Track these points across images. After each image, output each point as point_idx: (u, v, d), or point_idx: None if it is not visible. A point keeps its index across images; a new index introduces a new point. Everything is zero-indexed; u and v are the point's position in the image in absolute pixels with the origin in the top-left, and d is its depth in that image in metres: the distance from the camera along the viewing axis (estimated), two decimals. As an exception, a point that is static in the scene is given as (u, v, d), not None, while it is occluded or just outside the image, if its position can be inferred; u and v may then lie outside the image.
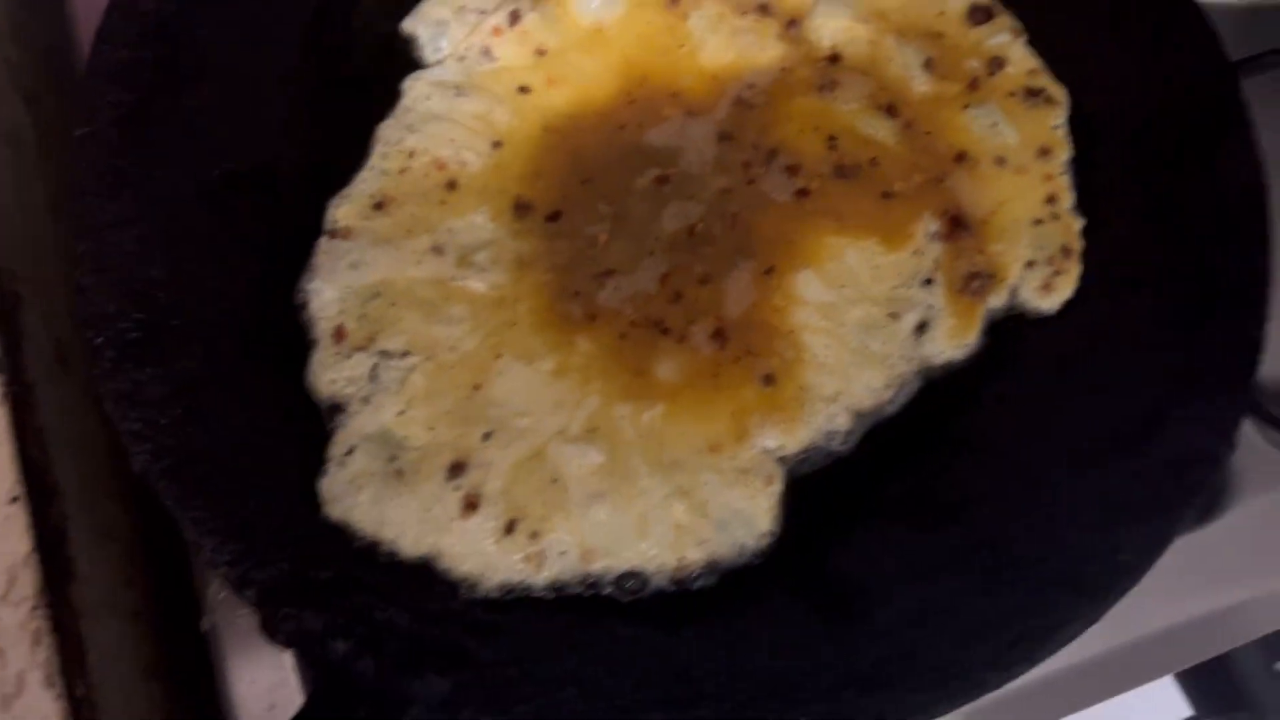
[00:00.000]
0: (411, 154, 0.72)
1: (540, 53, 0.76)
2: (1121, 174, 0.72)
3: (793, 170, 0.73)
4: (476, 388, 0.66)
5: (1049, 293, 0.70)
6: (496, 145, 0.73)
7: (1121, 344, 0.68)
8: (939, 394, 0.69)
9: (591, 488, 0.63)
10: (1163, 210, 0.70)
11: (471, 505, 0.63)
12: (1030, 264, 0.71)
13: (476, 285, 0.69)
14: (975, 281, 0.70)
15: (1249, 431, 0.77)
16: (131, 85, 0.69)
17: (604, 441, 0.65)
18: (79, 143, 0.67)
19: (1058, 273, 0.71)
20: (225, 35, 0.72)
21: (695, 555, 0.63)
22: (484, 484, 0.63)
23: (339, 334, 0.67)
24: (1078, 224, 0.72)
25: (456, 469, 0.64)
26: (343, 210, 0.70)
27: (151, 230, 0.67)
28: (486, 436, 0.65)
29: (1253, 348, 0.65)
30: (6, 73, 0.83)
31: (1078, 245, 0.72)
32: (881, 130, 0.74)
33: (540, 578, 0.62)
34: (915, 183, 0.73)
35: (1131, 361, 0.67)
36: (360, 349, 0.66)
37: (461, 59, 0.75)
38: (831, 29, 0.77)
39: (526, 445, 0.64)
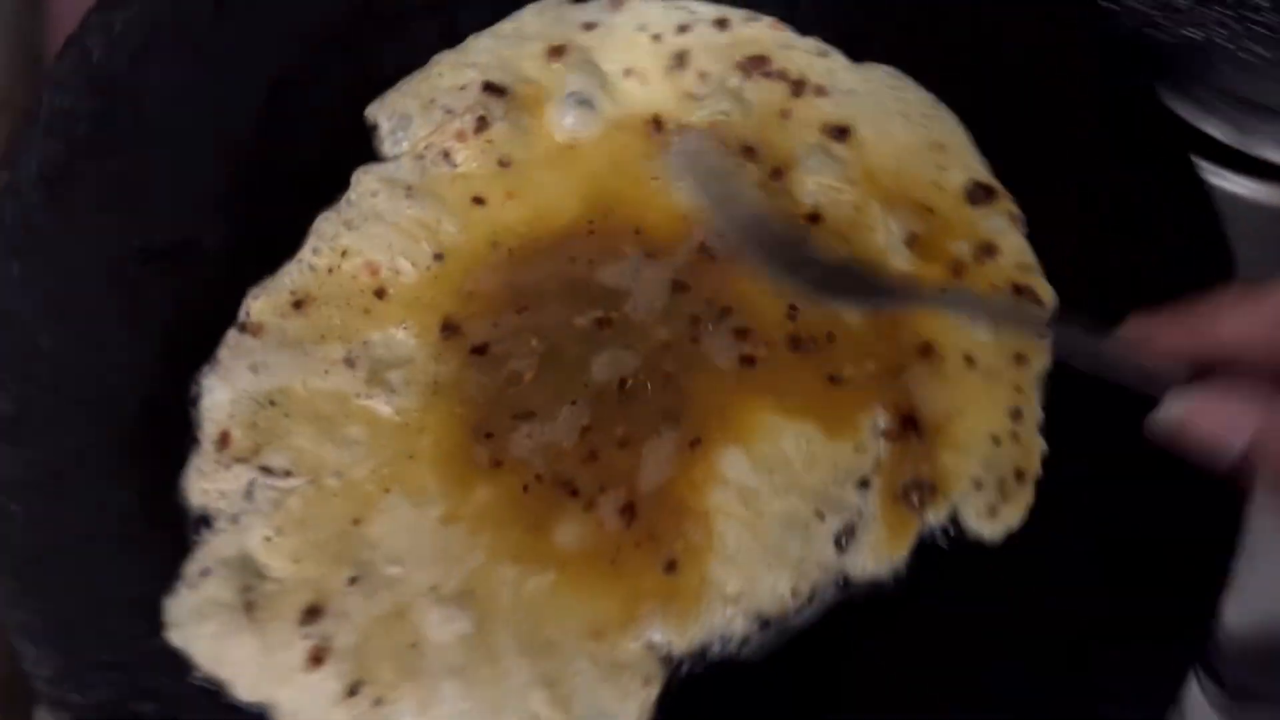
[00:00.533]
0: (345, 253, 0.68)
1: (503, 164, 0.71)
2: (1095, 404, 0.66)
3: (742, 334, 0.68)
4: (356, 522, 0.62)
5: (992, 519, 0.64)
6: (438, 258, 0.69)
7: (1056, 593, 0.62)
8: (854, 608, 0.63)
9: (451, 660, 0.59)
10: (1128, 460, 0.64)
11: (318, 658, 0.58)
12: (978, 484, 0.65)
13: (382, 408, 0.65)
14: (916, 492, 0.65)
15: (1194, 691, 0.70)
16: (65, 136, 0.66)
17: (477, 608, 0.60)
18: (-4, 191, 0.64)
19: (1006, 498, 0.65)
20: (173, 98, 0.68)
21: (547, 756, 0.58)
22: (336, 636, 0.59)
23: (224, 440, 0.63)
24: (1040, 447, 0.66)
25: (312, 614, 0.59)
26: (259, 304, 0.66)
27: (51, 297, 0.63)
28: (353, 581, 0.60)
29: (1200, 633, 0.59)
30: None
31: (1034, 471, 0.66)
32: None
33: (376, 750, 0.57)
34: (870, 370, 0.67)
35: (1061, 616, 0.61)
36: (242, 460, 0.62)
37: (419, 158, 0.71)
38: (816, 184, 0.72)
39: (392, 599, 0.60)
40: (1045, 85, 0.75)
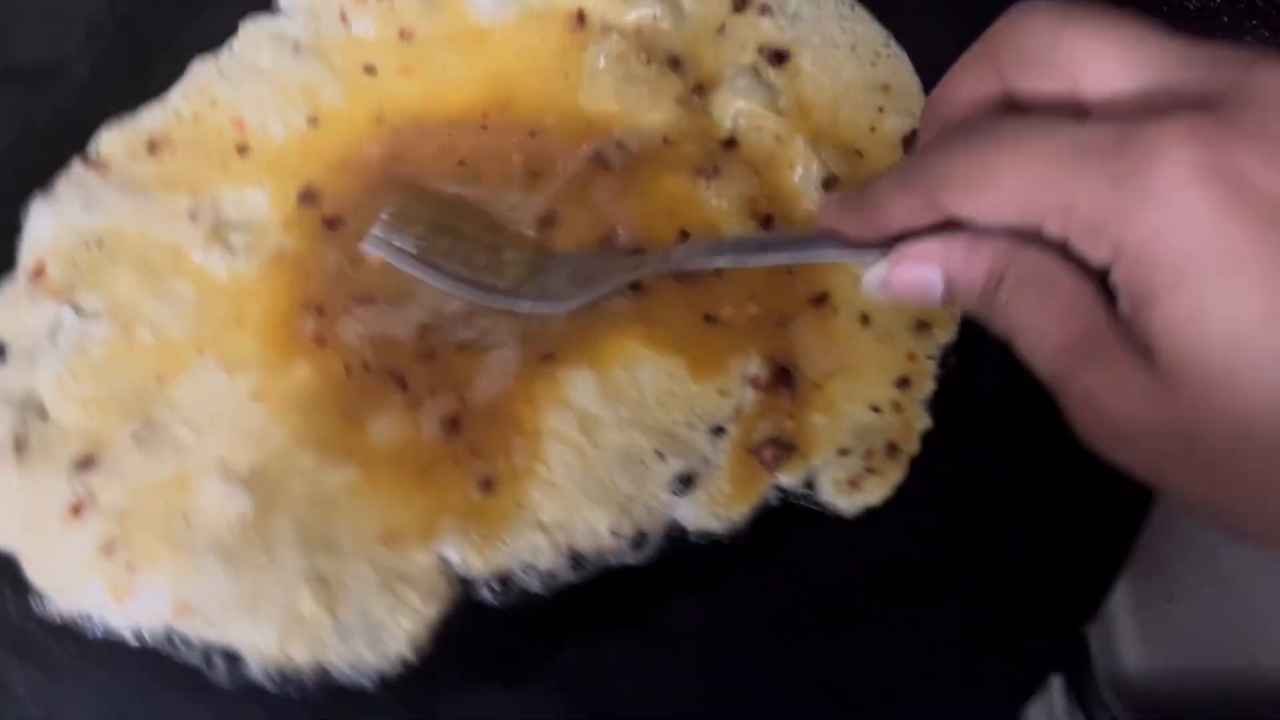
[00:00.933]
0: (214, 102, 0.63)
1: (404, 36, 0.66)
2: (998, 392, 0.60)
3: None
4: (159, 380, 0.57)
5: (852, 492, 0.58)
6: (311, 122, 0.64)
7: (901, 582, 0.56)
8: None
9: (221, 538, 0.54)
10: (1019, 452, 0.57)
11: (78, 510, 0.54)
12: (843, 451, 0.58)
13: (217, 267, 0.60)
14: (771, 449, 0.58)
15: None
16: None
17: (262, 491, 0.55)
18: None
19: (871, 471, 0.58)
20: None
21: (301, 654, 0.53)
22: (104, 492, 0.54)
23: (38, 272, 0.59)
24: (921, 423, 0.59)
25: (85, 463, 0.55)
26: (110, 141, 0.62)
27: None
28: (136, 438, 0.56)
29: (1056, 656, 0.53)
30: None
31: (910, 449, 0.59)
32: (743, 241, 0.62)
33: (120, 617, 0.53)
34: (751, 313, 0.61)
35: (913, 623, 0.54)
36: (52, 296, 0.58)
37: (315, 16, 0.66)
38: (739, 109, 0.65)
39: (175, 464, 0.55)
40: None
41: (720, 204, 0.63)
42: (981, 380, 0.60)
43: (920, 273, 0.41)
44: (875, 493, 0.58)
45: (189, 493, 0.55)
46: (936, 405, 0.60)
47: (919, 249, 0.41)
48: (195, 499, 0.55)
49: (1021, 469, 0.59)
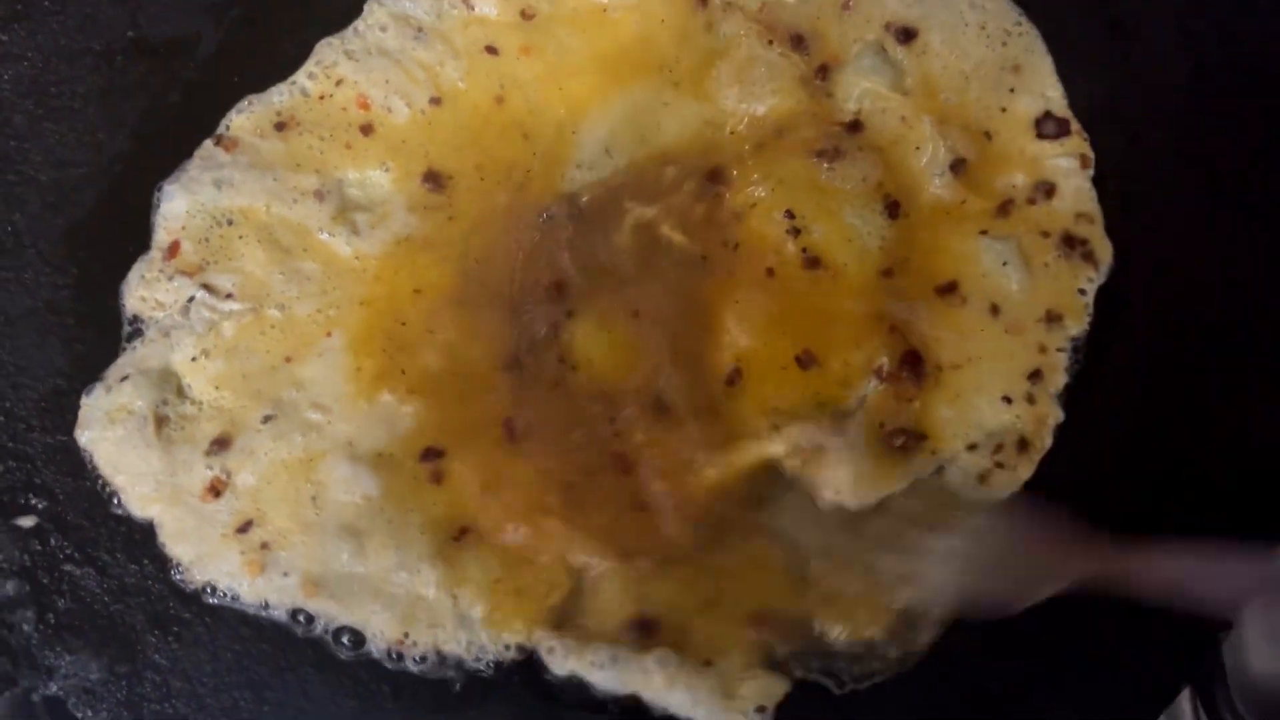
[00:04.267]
0: (340, 83, 0.63)
1: (526, 16, 0.65)
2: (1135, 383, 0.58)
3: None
4: (288, 360, 0.58)
5: (982, 487, 0.56)
6: (434, 101, 0.64)
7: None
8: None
9: (348, 520, 0.55)
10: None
11: (216, 490, 0.55)
12: (972, 446, 0.57)
13: (343, 248, 0.60)
14: (901, 437, 0.57)
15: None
16: (76, -83, 0.63)
17: (388, 475, 0.56)
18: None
19: (1001, 466, 0.57)
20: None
21: (422, 637, 0.53)
22: (239, 472, 0.55)
23: (173, 250, 0.60)
24: (1054, 417, 0.58)
25: (220, 444, 0.56)
26: (240, 119, 0.62)
27: (33, 74, 0.61)
28: (267, 419, 0.57)
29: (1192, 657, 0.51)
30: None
31: (1042, 444, 0.57)
32: (870, 228, 0.61)
33: (252, 590, 0.54)
34: (878, 304, 0.59)
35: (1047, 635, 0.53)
36: (185, 274, 0.59)
37: (438, -4, 0.66)
38: (863, 89, 0.64)
39: (304, 445, 0.56)
40: (1152, 19, 0.64)
41: (846, 187, 0.62)
42: (1115, 373, 0.59)
43: None
44: (1004, 489, 0.56)
45: (317, 474, 0.56)
46: (1069, 398, 0.58)
47: None
48: (323, 480, 0.55)
49: (1156, 469, 0.57)
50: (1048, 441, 0.57)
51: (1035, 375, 0.58)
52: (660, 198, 0.63)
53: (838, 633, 0.53)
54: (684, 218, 0.62)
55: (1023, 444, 0.57)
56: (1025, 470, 0.57)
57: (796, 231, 0.60)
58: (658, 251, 0.62)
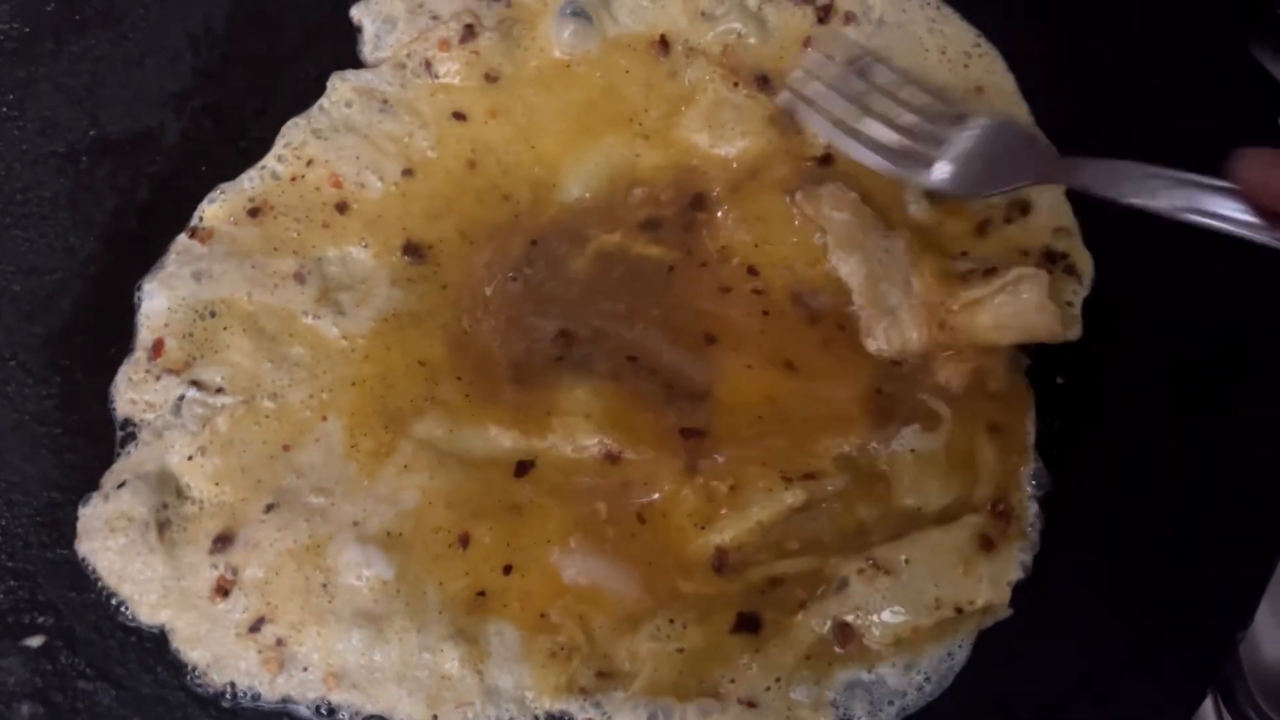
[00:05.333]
0: (310, 163, 0.63)
1: (491, 78, 0.65)
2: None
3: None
4: (285, 448, 0.58)
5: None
6: (406, 173, 0.64)
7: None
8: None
9: (363, 606, 0.54)
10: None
11: (224, 589, 0.54)
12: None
13: (329, 329, 0.60)
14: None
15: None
16: (28, 17, 0.63)
17: (401, 554, 0.55)
18: (-49, 69, 0.61)
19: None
20: (147, -20, 0.64)
21: (451, 716, 0.53)
22: (246, 567, 0.55)
23: (157, 349, 0.59)
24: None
25: (223, 540, 0.55)
26: (213, 209, 0.62)
27: None
28: (269, 509, 0.56)
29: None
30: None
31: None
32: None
33: (273, 689, 0.53)
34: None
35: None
36: (173, 372, 0.58)
37: (400, 66, 0.65)
38: (831, 123, 0.64)
39: (308, 532, 0.55)
40: (1113, 28, 0.66)
41: (823, 216, 0.62)
42: (1108, 382, 0.60)
43: None
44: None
45: (326, 560, 0.55)
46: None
47: None
48: (332, 566, 0.55)
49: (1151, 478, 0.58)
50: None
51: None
52: (627, 218, 0.63)
53: None
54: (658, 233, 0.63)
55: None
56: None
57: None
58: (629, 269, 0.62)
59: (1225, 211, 0.48)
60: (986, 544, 0.55)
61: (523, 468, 0.58)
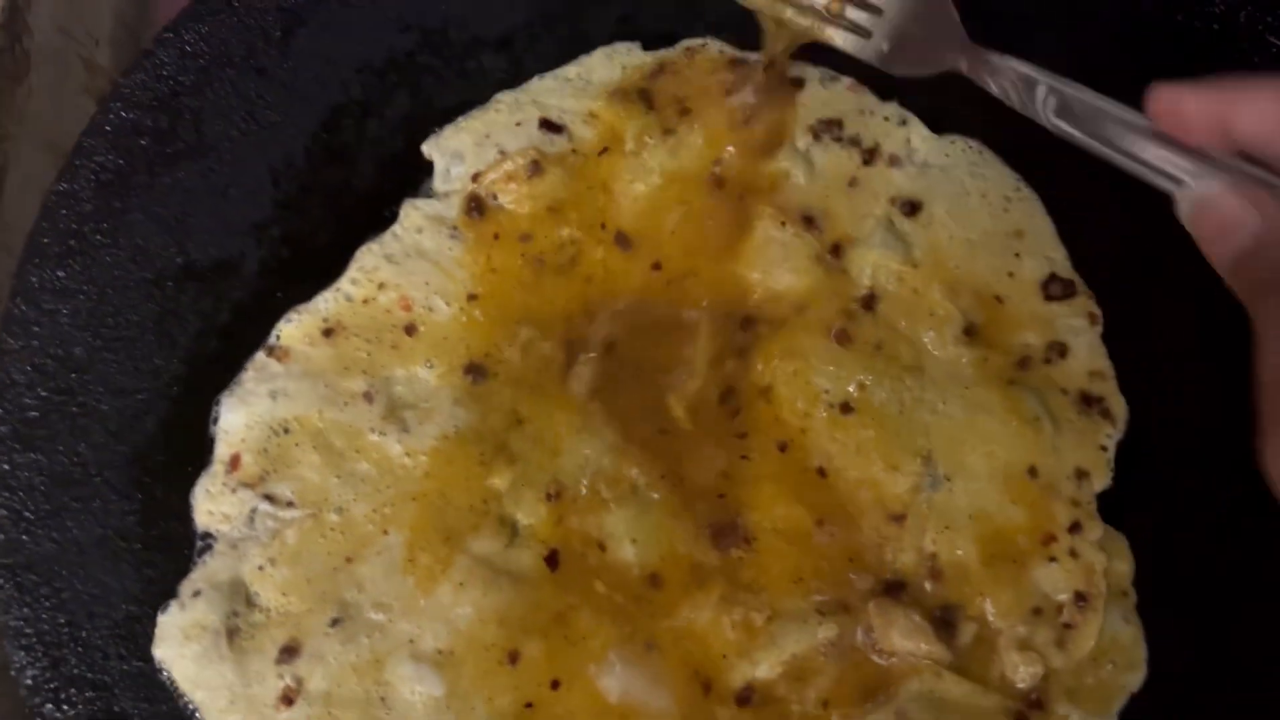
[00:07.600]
0: (382, 286, 0.67)
1: (553, 210, 0.69)
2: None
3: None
4: (349, 560, 0.61)
5: (1063, 649, 0.59)
6: (472, 298, 0.67)
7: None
8: None
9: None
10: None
11: (289, 699, 0.57)
12: (1037, 611, 0.60)
13: (393, 446, 0.63)
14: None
15: None
16: (126, 149, 0.67)
17: (452, 672, 0.58)
18: (51, 198, 0.65)
19: (1069, 626, 0.59)
20: (231, 118, 0.68)
21: (501, 834, 0.55)
22: (310, 678, 0.58)
23: (234, 463, 0.62)
24: (1101, 563, 0.60)
25: (289, 652, 0.58)
26: (290, 329, 0.66)
27: (90, 307, 0.64)
28: (334, 623, 0.59)
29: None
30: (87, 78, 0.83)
31: (1099, 589, 0.60)
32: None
33: (333, 801, 0.56)
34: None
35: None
36: (248, 486, 0.62)
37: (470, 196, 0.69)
38: (875, 263, 0.67)
39: (369, 648, 0.58)
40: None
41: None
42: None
43: (1228, 221, 0.39)
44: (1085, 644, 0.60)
45: (384, 674, 0.58)
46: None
47: (1240, 203, 0.39)
48: (390, 683, 0.58)
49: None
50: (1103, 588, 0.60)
51: (1075, 527, 0.61)
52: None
53: None
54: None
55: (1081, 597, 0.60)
56: (1095, 621, 0.59)
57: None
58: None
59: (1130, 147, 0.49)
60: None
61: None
